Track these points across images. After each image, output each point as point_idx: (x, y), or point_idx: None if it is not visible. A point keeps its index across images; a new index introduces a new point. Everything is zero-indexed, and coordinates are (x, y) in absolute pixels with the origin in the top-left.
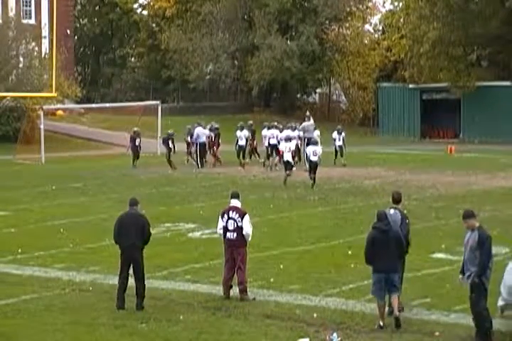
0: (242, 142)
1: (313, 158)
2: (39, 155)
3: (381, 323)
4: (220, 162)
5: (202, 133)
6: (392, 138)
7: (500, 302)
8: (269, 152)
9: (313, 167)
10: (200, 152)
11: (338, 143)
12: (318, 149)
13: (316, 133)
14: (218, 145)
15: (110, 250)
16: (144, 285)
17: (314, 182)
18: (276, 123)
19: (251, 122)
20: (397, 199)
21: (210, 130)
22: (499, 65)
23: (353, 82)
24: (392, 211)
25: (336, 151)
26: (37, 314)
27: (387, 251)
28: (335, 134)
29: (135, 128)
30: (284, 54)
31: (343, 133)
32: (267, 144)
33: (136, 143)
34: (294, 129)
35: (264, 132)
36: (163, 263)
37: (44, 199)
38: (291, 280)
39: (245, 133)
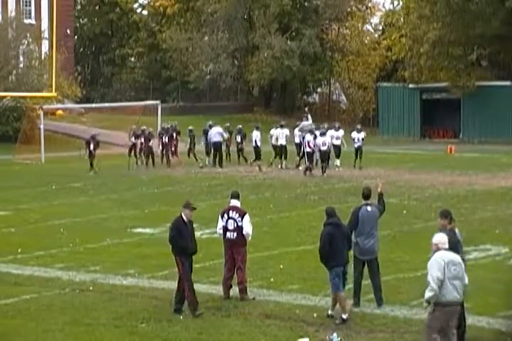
0: (259, 143)
1: (323, 148)
2: (39, 154)
3: (344, 316)
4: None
5: (215, 132)
6: (392, 138)
7: (429, 293)
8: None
9: (323, 156)
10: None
11: (358, 143)
12: (328, 139)
13: (341, 133)
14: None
15: (110, 250)
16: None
17: (324, 171)
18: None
19: (228, 124)
20: (367, 195)
21: (167, 130)
22: (499, 65)
23: (353, 82)
24: (369, 207)
25: (356, 153)
26: (37, 314)
27: (343, 245)
28: (354, 134)
29: (150, 129)
30: (284, 53)
31: (362, 133)
32: (297, 142)
33: (150, 144)
34: (337, 129)
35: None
36: (164, 262)
37: (44, 199)
38: (291, 280)
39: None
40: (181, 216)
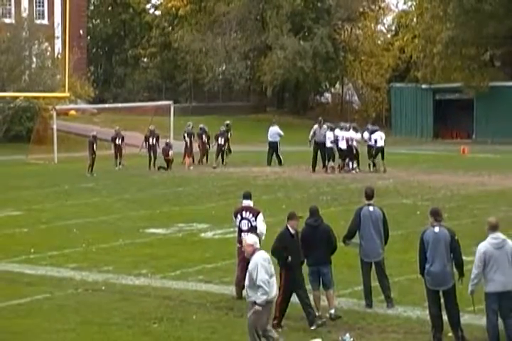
0: (329, 144)
1: (370, 143)
2: (52, 155)
3: (317, 313)
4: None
5: (273, 132)
6: (405, 138)
7: (263, 297)
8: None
9: (370, 152)
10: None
11: (380, 142)
12: (377, 137)
13: (379, 135)
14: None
15: (123, 250)
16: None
17: (374, 165)
18: (342, 124)
19: (202, 125)
20: (370, 195)
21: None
22: None
23: (366, 83)
24: (371, 208)
25: (377, 153)
26: (50, 314)
27: (316, 245)
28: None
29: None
30: (297, 54)
31: (379, 133)
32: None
33: (165, 146)
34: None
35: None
36: (176, 263)
37: (57, 199)
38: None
39: (332, 134)
40: (287, 228)
